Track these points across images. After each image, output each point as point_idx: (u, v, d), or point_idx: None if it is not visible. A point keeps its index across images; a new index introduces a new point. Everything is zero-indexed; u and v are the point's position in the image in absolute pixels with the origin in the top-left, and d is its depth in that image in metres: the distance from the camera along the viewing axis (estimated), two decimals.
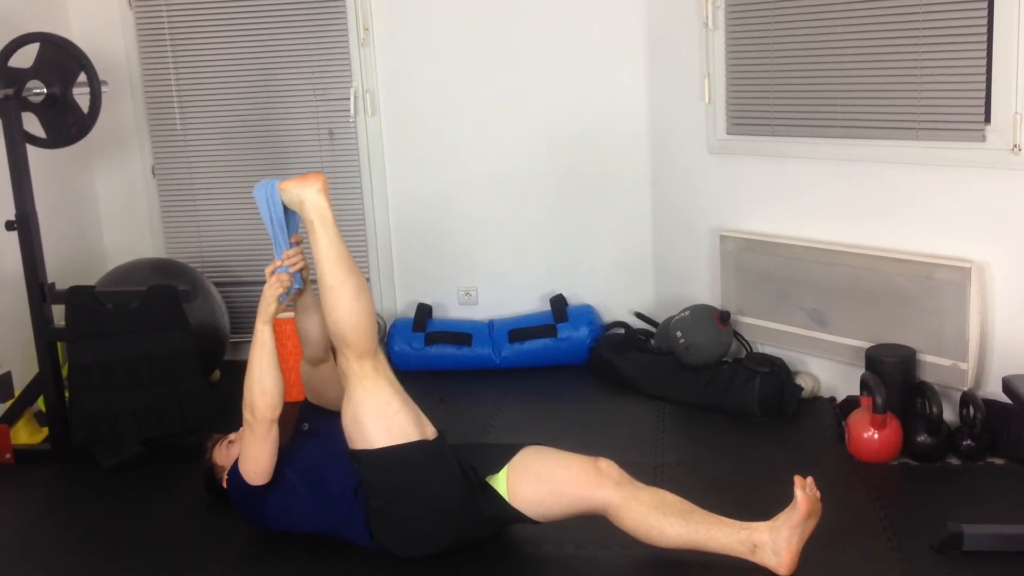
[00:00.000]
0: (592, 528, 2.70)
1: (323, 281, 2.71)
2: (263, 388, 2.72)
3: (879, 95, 3.44)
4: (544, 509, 2.65)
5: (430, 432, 2.72)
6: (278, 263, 2.84)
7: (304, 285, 2.92)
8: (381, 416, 2.65)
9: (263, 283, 2.85)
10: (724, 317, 3.94)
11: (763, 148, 3.86)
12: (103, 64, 3.91)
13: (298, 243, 2.89)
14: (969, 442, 3.18)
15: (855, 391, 3.45)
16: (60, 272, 3.90)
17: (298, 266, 2.87)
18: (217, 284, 4.46)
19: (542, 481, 2.65)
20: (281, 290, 2.81)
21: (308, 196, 2.73)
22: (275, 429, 2.74)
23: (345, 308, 2.68)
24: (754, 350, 4.00)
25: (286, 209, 2.83)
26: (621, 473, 2.66)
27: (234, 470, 2.82)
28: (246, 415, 2.74)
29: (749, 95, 3.88)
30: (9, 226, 3.54)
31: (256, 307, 2.83)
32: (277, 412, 2.73)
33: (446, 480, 2.66)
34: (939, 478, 3.12)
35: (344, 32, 4.45)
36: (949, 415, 3.30)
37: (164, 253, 4.70)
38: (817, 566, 2.55)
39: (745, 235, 3.94)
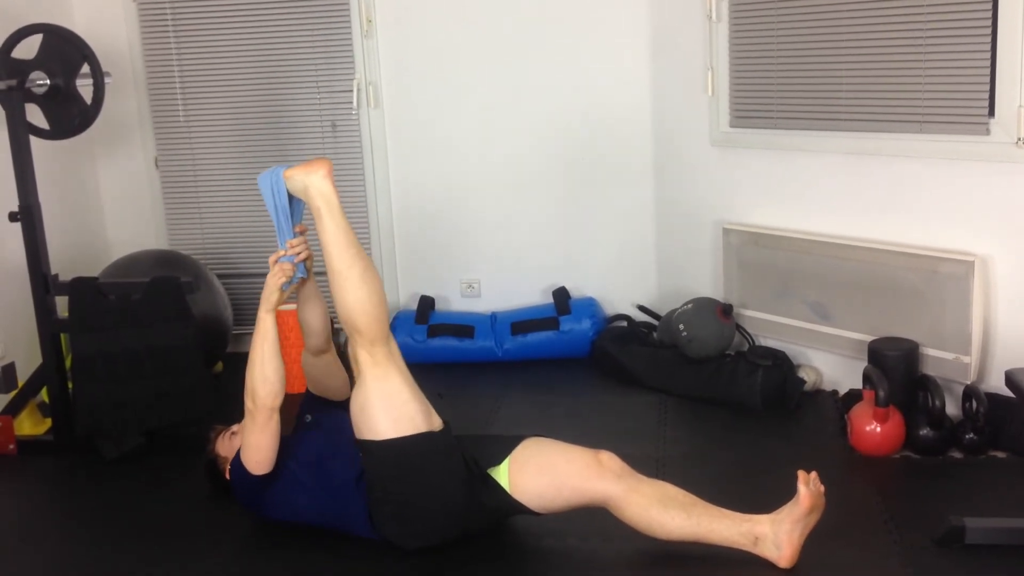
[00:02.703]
0: (594, 520, 2.70)
1: (331, 266, 2.71)
2: (264, 376, 2.72)
3: (883, 88, 3.44)
4: (545, 501, 2.66)
5: (437, 423, 2.72)
6: (282, 252, 2.84)
7: (308, 275, 2.92)
8: (389, 406, 2.65)
9: (265, 275, 2.85)
10: (727, 310, 3.93)
11: (766, 141, 3.85)
12: (106, 55, 3.91)
13: (302, 232, 2.88)
14: (971, 436, 3.18)
15: (857, 384, 3.45)
16: (63, 263, 3.90)
17: (302, 255, 2.87)
18: (220, 276, 4.46)
19: (543, 473, 2.65)
20: (284, 279, 2.81)
21: (314, 182, 2.73)
22: (276, 418, 2.74)
23: (354, 293, 2.68)
24: (756, 343, 3.99)
25: (291, 197, 2.82)
26: (622, 466, 2.66)
27: (236, 460, 2.83)
28: (247, 403, 2.74)
29: (752, 88, 3.87)
30: (12, 217, 3.55)
31: (258, 298, 2.83)
32: (278, 400, 2.74)
33: (450, 472, 2.66)
34: (941, 472, 3.12)
35: (347, 24, 4.44)
36: (952, 409, 3.29)
37: (167, 245, 4.70)
38: (818, 559, 2.55)
39: (748, 228, 3.93)
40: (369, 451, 2.66)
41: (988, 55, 3.14)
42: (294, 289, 2.91)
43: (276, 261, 2.83)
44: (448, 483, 2.65)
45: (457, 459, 2.68)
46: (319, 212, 2.72)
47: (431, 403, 2.76)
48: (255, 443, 2.75)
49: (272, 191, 2.81)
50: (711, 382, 3.79)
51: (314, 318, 2.97)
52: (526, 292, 4.59)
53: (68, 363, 3.70)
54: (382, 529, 2.70)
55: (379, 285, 2.74)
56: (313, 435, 2.89)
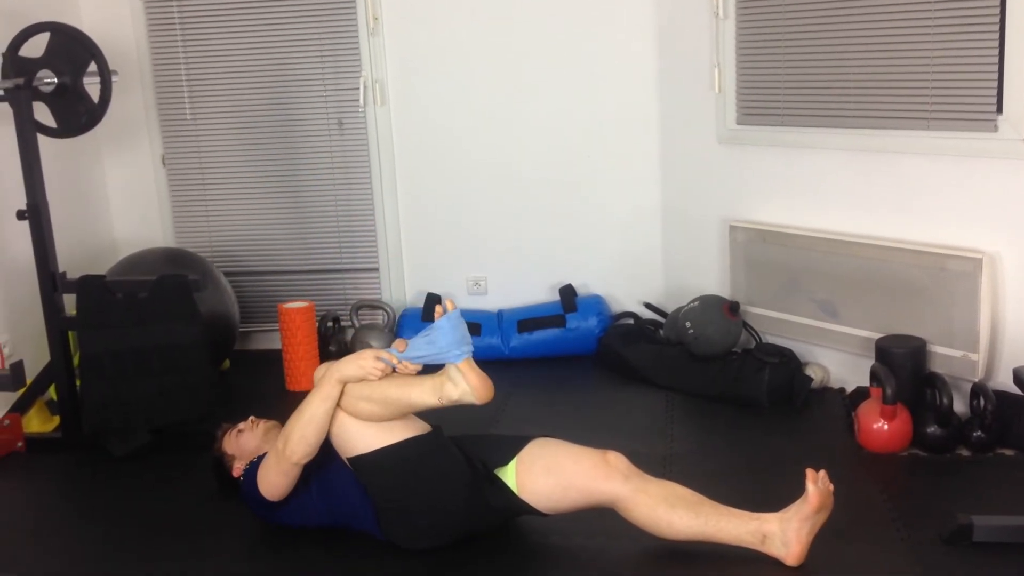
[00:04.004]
0: (601, 519, 2.70)
1: (382, 391, 2.65)
2: (304, 435, 2.66)
3: (891, 85, 3.43)
4: (552, 502, 2.65)
5: (423, 428, 2.73)
6: (396, 360, 2.66)
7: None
8: (367, 422, 2.66)
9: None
10: (733, 308, 3.93)
11: (773, 138, 3.85)
12: (113, 53, 3.91)
13: (419, 369, 2.71)
14: (979, 433, 3.17)
15: (865, 382, 3.45)
16: (71, 261, 3.91)
17: (408, 371, 2.71)
18: (227, 273, 4.46)
19: (551, 474, 2.65)
20: (377, 375, 2.65)
21: (466, 395, 2.63)
22: (298, 471, 2.71)
23: (366, 411, 2.65)
24: (763, 341, 3.99)
25: (439, 338, 2.65)
26: (630, 466, 2.66)
27: (251, 475, 2.82)
28: (279, 443, 2.69)
29: (759, 85, 3.87)
30: (20, 215, 3.55)
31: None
32: (307, 460, 2.69)
33: (448, 471, 2.66)
34: (949, 469, 3.12)
35: (354, 22, 4.44)
36: (959, 406, 3.29)
37: (174, 242, 4.71)
38: (826, 557, 2.55)
39: (755, 225, 3.93)
40: (361, 466, 2.66)
41: (996, 51, 3.13)
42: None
43: (390, 351, 2.68)
44: (446, 484, 2.65)
45: (453, 459, 2.68)
46: (443, 400, 2.63)
47: (415, 413, 2.73)
48: (274, 482, 2.74)
49: (447, 343, 2.62)
50: (718, 380, 3.78)
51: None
52: (533, 289, 4.59)
53: (76, 361, 3.71)
54: (389, 534, 2.71)
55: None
56: (327, 447, 2.87)
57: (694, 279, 4.28)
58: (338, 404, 2.65)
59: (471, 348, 2.65)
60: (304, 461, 2.69)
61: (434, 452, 2.68)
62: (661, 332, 4.25)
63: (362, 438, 2.65)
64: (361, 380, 2.65)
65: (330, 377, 2.66)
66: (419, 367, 2.68)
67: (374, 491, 2.67)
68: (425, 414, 2.75)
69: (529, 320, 4.36)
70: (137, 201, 4.75)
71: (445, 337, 2.62)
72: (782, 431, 3.49)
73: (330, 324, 4.50)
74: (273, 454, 2.73)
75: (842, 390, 3.78)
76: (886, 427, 3.19)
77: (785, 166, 3.84)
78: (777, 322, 3.92)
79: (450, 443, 2.74)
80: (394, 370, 2.67)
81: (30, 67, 3.57)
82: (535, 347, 4.34)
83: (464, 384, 2.62)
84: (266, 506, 2.80)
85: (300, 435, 2.66)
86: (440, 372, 2.65)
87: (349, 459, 2.68)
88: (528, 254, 4.58)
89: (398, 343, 2.69)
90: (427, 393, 2.63)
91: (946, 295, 3.33)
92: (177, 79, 4.59)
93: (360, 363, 2.65)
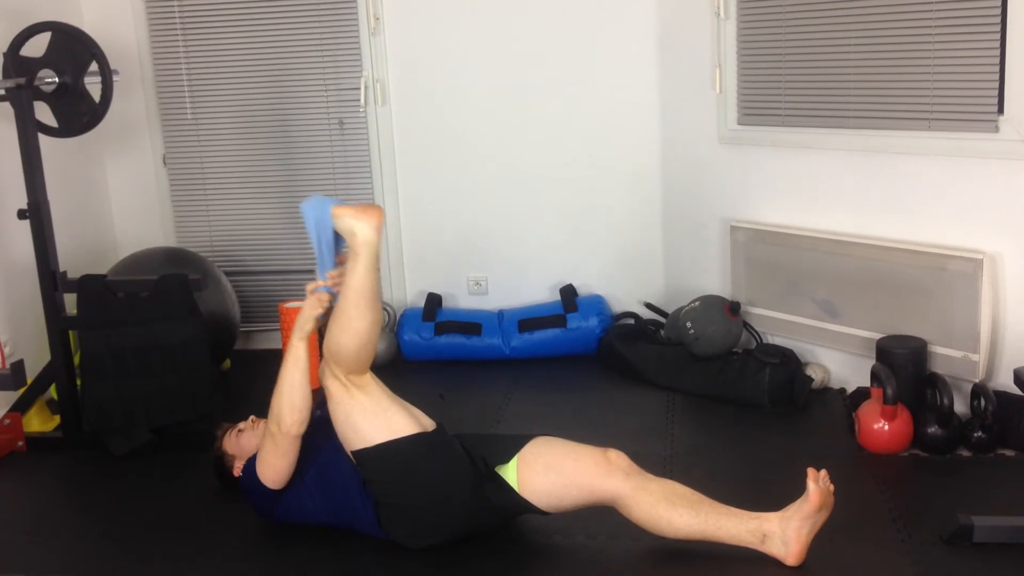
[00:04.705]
0: (602, 518, 2.70)
1: (343, 307, 2.68)
2: (292, 404, 2.70)
3: (892, 85, 3.43)
4: (554, 500, 2.66)
5: (428, 424, 2.74)
6: (320, 282, 2.79)
7: None
8: (373, 414, 2.67)
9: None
10: (734, 308, 3.93)
11: (774, 139, 3.85)
12: (114, 53, 3.92)
13: (342, 263, 2.81)
14: (980, 434, 3.17)
15: (865, 382, 3.45)
16: (72, 261, 3.91)
17: (340, 287, 2.79)
18: (228, 273, 4.47)
19: (552, 471, 2.65)
20: (320, 310, 2.77)
21: (362, 230, 2.68)
22: (297, 444, 2.73)
23: (354, 339, 2.67)
24: (764, 341, 3.99)
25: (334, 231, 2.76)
26: (631, 464, 2.66)
27: (250, 467, 2.83)
28: (271, 427, 2.72)
29: (760, 85, 3.87)
30: (21, 215, 3.56)
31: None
32: (303, 428, 2.72)
33: (450, 469, 2.67)
34: (949, 470, 3.12)
35: (354, 21, 4.44)
36: (960, 407, 3.29)
37: (175, 242, 4.71)
38: (826, 557, 2.55)
39: (756, 226, 3.93)
40: (364, 460, 2.67)
41: (997, 52, 3.13)
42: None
43: (313, 291, 2.79)
44: (448, 482, 2.66)
45: (456, 457, 2.69)
46: (356, 257, 2.68)
47: (428, 406, 2.76)
48: (274, 464, 2.75)
49: (317, 223, 2.74)
50: (718, 380, 3.78)
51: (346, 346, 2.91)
52: (533, 289, 4.59)
53: (77, 360, 3.71)
54: (389, 530, 2.71)
55: (377, 337, 2.73)
56: (320, 438, 2.88)
57: (695, 279, 4.28)
58: (345, 393, 2.66)
59: (332, 200, 2.74)
60: (301, 430, 2.71)
61: (438, 449, 2.69)
62: (662, 332, 4.25)
63: (367, 432, 2.65)
64: (315, 321, 2.76)
65: (292, 341, 2.75)
66: (342, 264, 2.77)
67: (376, 486, 2.67)
68: (431, 412, 2.75)
69: (530, 320, 4.36)
70: (138, 201, 4.75)
71: (309, 221, 2.74)
72: (783, 431, 3.49)
73: None
74: (268, 439, 2.74)
75: (843, 390, 3.78)
76: (887, 427, 3.19)
77: (786, 166, 3.84)
78: (778, 322, 3.92)
79: (454, 440, 2.75)
80: (333, 296, 2.76)
81: (31, 66, 3.57)
82: (536, 347, 4.34)
83: (349, 222, 2.68)
84: (266, 498, 2.80)
85: (288, 405, 2.69)
86: None
87: (353, 452, 2.68)
88: (529, 254, 4.58)
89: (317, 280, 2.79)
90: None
91: (947, 295, 3.33)
92: (178, 79, 4.59)
93: (305, 314, 2.77)
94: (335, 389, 2.69)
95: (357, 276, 2.68)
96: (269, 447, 2.74)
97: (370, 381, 2.73)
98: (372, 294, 2.69)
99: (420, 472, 2.65)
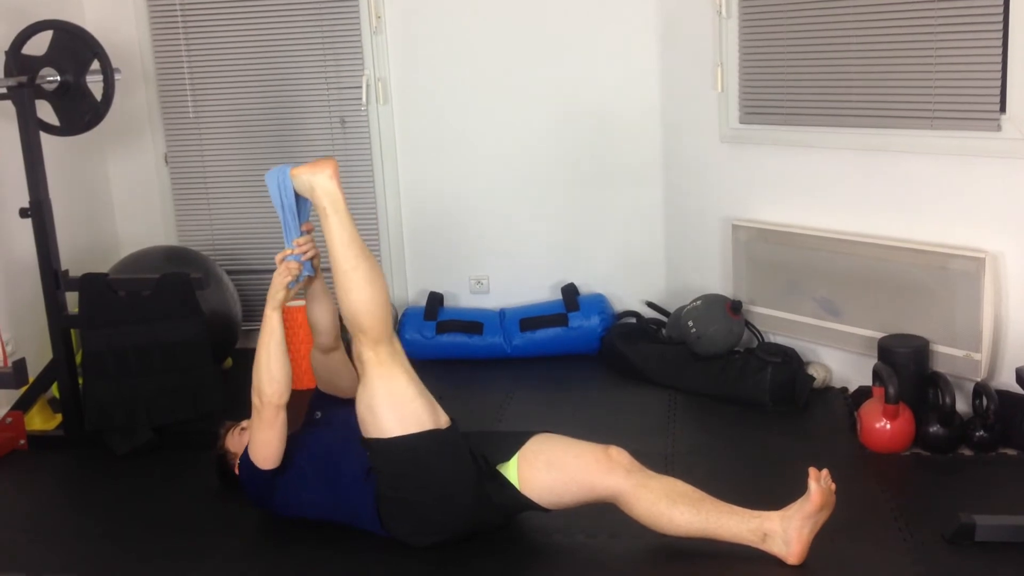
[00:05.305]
0: (602, 516, 2.70)
1: (336, 266, 2.72)
2: (271, 374, 2.74)
3: (893, 84, 3.42)
4: (555, 497, 2.65)
5: (443, 420, 2.73)
6: (288, 251, 2.85)
7: (315, 273, 2.93)
8: (395, 404, 2.66)
9: (274, 271, 2.86)
10: (736, 307, 3.93)
11: (776, 137, 3.84)
12: (116, 52, 3.92)
13: (309, 231, 2.89)
14: (982, 433, 3.17)
15: (867, 381, 3.44)
16: (73, 259, 3.91)
17: (309, 254, 2.88)
18: (229, 272, 4.47)
19: (553, 468, 2.65)
20: (290, 277, 2.83)
21: (319, 182, 2.74)
22: (283, 415, 2.76)
23: (358, 292, 2.69)
24: (766, 340, 3.99)
25: (298, 196, 2.83)
26: (632, 461, 2.66)
27: (245, 456, 2.84)
28: (254, 400, 2.76)
29: (762, 84, 3.86)
30: (23, 213, 3.56)
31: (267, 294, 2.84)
32: (285, 398, 2.76)
33: (458, 468, 2.66)
34: (951, 469, 3.11)
35: (356, 20, 4.44)
36: (962, 406, 3.28)
37: (176, 241, 4.71)
38: (828, 556, 2.55)
39: (757, 225, 3.92)
40: (376, 449, 2.66)
41: (999, 50, 3.13)
42: (301, 287, 2.92)
43: (283, 259, 2.84)
44: (456, 480, 2.65)
45: (464, 456, 2.68)
46: (324, 211, 2.73)
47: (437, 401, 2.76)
48: (262, 439, 2.77)
49: (279, 189, 2.82)
50: (720, 379, 3.78)
51: (322, 316, 2.97)
52: (535, 288, 4.59)
53: (78, 359, 3.72)
54: (390, 527, 2.70)
55: (383, 285, 2.75)
56: (323, 432, 2.89)
57: (696, 278, 4.27)
58: (378, 365, 2.67)
59: (286, 166, 2.81)
60: (283, 400, 2.75)
61: (448, 447, 2.68)
62: (663, 331, 4.24)
63: (386, 421, 2.65)
64: (286, 291, 2.82)
65: (265, 312, 2.81)
66: (309, 232, 2.88)
67: (383, 478, 2.67)
68: (443, 407, 2.77)
69: (531, 319, 4.36)
70: (139, 199, 4.75)
71: (273, 188, 2.82)
72: (784, 430, 3.48)
73: None
74: (254, 415, 2.78)
75: (844, 389, 3.77)
76: (888, 426, 3.19)
77: (788, 165, 3.83)
78: (779, 321, 3.91)
79: (463, 440, 2.74)
80: (302, 265, 2.85)
81: (33, 65, 3.57)
82: (537, 346, 4.34)
83: (305, 178, 2.74)
84: (264, 485, 2.81)
85: (267, 376, 2.74)
86: None
87: (367, 439, 2.68)
88: (530, 253, 4.58)
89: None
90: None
91: (949, 294, 3.32)
92: (180, 77, 4.59)
93: (276, 283, 2.83)
94: (367, 359, 2.69)
95: (333, 230, 2.72)
96: (256, 422, 2.78)
97: (399, 363, 2.72)
98: (355, 243, 2.72)
99: (429, 469, 2.65)
